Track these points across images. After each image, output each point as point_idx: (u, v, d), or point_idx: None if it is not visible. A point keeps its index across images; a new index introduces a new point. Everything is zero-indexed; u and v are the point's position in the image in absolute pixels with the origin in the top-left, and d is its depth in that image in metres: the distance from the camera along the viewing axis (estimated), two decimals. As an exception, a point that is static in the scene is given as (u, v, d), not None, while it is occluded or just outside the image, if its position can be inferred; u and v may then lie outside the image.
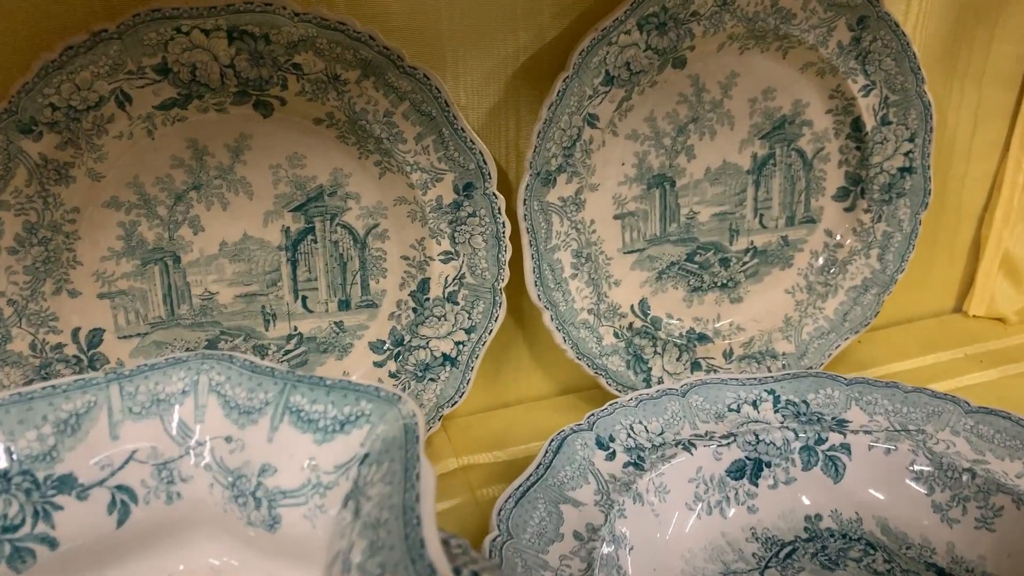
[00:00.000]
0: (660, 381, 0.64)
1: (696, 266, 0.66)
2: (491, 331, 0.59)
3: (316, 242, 0.56)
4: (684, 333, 0.66)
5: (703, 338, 0.67)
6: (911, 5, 0.66)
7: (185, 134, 0.51)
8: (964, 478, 0.50)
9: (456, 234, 0.57)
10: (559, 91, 0.55)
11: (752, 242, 0.67)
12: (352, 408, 0.34)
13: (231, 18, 0.48)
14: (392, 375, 0.59)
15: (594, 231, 0.62)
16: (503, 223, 0.57)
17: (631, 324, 0.64)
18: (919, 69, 0.63)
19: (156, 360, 0.37)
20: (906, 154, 0.66)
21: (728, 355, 0.67)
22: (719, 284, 0.67)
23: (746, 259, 0.67)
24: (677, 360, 0.65)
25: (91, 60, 0.46)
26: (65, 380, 0.35)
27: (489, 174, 0.56)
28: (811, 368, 0.68)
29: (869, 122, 0.65)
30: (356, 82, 0.52)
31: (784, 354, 0.68)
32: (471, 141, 0.54)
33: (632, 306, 0.65)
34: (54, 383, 0.35)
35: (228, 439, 0.36)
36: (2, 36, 0.47)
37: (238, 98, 0.51)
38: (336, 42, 0.50)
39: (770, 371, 0.67)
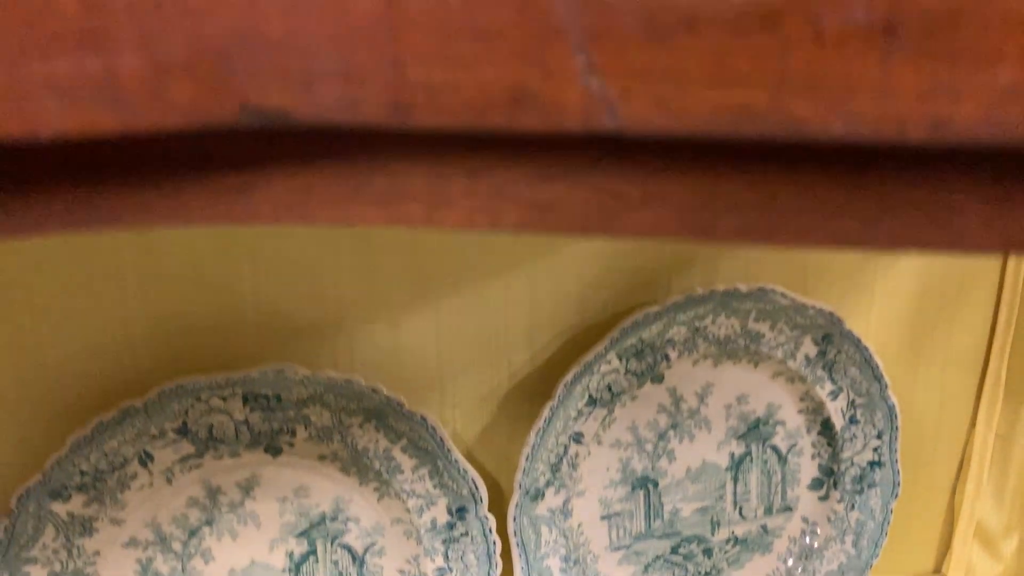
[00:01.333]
0: (647, 675, 0.67)
1: (681, 557, 0.69)
2: (482, 643, 0.62)
3: (318, 562, 0.60)
4: (670, 625, 0.69)
5: (688, 629, 0.69)
6: (872, 312, 0.71)
7: (201, 477, 0.56)
8: None
9: (449, 551, 0.61)
10: (545, 418, 0.60)
11: (733, 532, 0.70)
12: None
13: (246, 385, 0.53)
14: None
15: (582, 534, 0.65)
16: (494, 542, 0.60)
17: (618, 620, 0.67)
18: (882, 376, 0.68)
19: None
20: (874, 449, 0.70)
21: (713, 644, 0.69)
22: (703, 573, 0.70)
23: (728, 548, 0.71)
24: (663, 652, 0.68)
25: (119, 431, 0.51)
26: None
27: (481, 498, 0.60)
28: (794, 652, 0.70)
29: (838, 422, 0.69)
30: (359, 425, 0.56)
31: (767, 639, 0.70)
32: (464, 470, 0.59)
33: (619, 601, 0.68)
34: None
35: None
36: (36, 406, 0.52)
37: (250, 446, 0.55)
38: (342, 395, 0.55)
39: (754, 657, 0.70)
